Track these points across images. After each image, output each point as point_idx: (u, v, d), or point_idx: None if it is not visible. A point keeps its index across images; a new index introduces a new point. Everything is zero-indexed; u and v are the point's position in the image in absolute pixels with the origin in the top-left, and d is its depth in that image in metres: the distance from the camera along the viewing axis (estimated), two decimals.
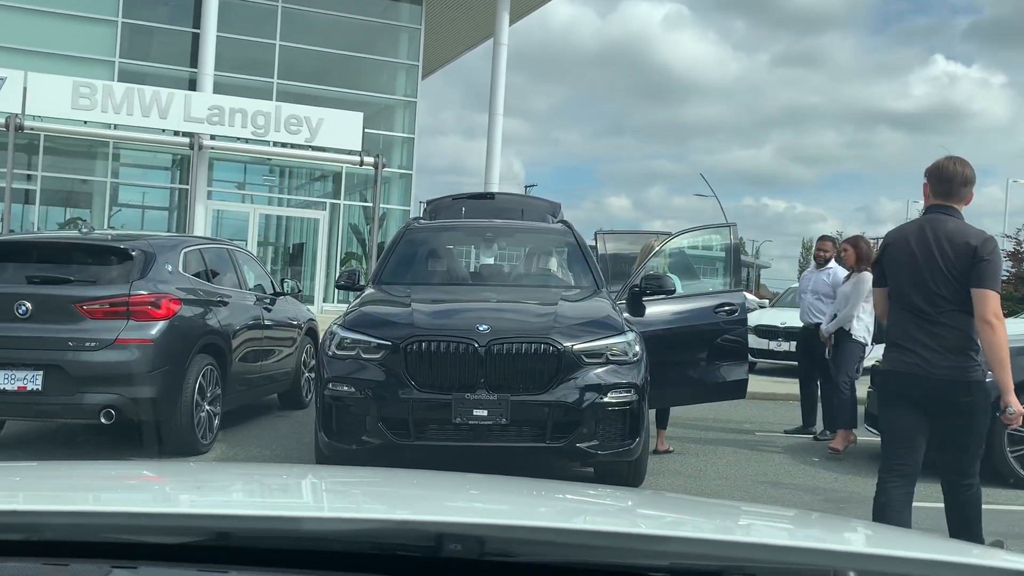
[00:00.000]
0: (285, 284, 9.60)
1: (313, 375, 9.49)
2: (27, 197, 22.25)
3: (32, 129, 20.51)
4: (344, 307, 7.07)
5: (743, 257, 23.63)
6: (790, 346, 12.64)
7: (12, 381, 6.33)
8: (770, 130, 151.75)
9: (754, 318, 13.64)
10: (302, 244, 25.54)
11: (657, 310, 7.26)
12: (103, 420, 6.38)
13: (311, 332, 9.74)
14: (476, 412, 5.54)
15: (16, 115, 19.63)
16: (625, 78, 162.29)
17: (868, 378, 8.21)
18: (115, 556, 0.74)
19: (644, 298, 7.14)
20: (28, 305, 6.40)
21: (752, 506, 3.05)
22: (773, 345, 14.43)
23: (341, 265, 23.55)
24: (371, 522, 0.95)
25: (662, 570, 0.99)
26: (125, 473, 1.87)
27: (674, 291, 7.23)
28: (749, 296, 20.94)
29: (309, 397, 9.34)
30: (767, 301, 24.62)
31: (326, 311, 19.90)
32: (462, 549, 0.96)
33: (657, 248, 7.72)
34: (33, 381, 6.34)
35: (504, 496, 1.58)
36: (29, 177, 22.11)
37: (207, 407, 7.10)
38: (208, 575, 0.72)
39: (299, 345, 9.38)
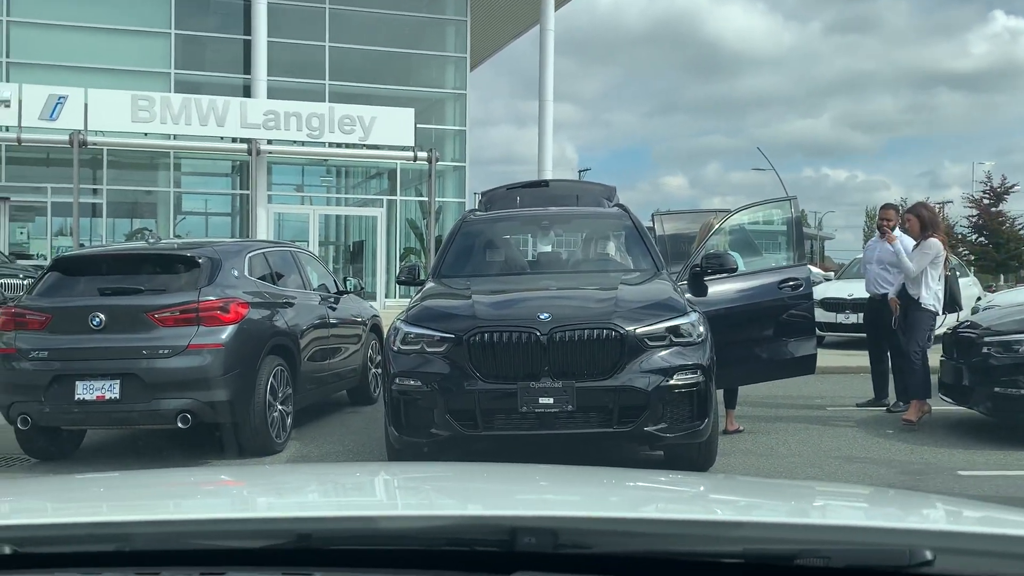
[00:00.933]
0: (348, 282, 9.73)
1: (380, 370, 9.61)
2: (94, 210, 22.86)
3: (95, 144, 21.03)
4: (406, 302, 7.14)
5: (805, 229, 23.24)
6: (858, 318, 12.41)
7: (91, 391, 6.53)
8: (827, 98, 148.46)
9: (820, 291, 13.41)
10: (361, 242, 25.81)
11: (720, 289, 7.20)
12: (180, 425, 6.55)
13: (375, 328, 9.85)
14: (542, 400, 5.56)
15: (79, 131, 20.15)
16: (675, 55, 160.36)
17: (940, 347, 8.04)
18: (202, 563, 0.77)
19: (706, 278, 7.08)
20: (102, 316, 6.58)
21: (826, 485, 3.01)
22: (841, 318, 14.19)
23: (400, 261, 23.76)
24: (446, 519, 0.97)
25: (736, 556, 0.99)
26: (204, 479, 1.92)
27: (736, 269, 7.16)
28: (814, 269, 20.59)
29: (377, 392, 9.46)
30: (832, 273, 24.19)
31: (388, 307, 20.10)
32: (536, 543, 0.97)
33: (717, 226, 7.65)
34: (111, 390, 6.53)
35: (574, 487, 1.59)
36: (95, 191, 22.70)
37: (279, 407, 7.24)
38: None
39: (364, 341, 9.49)
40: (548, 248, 8.36)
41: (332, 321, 8.63)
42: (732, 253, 7.41)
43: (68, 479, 2.68)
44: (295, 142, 22.29)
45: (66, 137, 20.13)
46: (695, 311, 6.01)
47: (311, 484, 1.68)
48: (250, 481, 1.69)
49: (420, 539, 0.93)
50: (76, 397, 6.50)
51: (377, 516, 1.05)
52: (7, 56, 22.08)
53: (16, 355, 6.63)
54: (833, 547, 1.01)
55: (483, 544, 0.97)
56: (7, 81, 21.25)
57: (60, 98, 20.29)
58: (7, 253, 19.63)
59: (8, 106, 20.02)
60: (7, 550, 0.71)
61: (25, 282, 15.16)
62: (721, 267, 6.98)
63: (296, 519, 1.03)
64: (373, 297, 21.95)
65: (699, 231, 7.97)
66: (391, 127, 22.17)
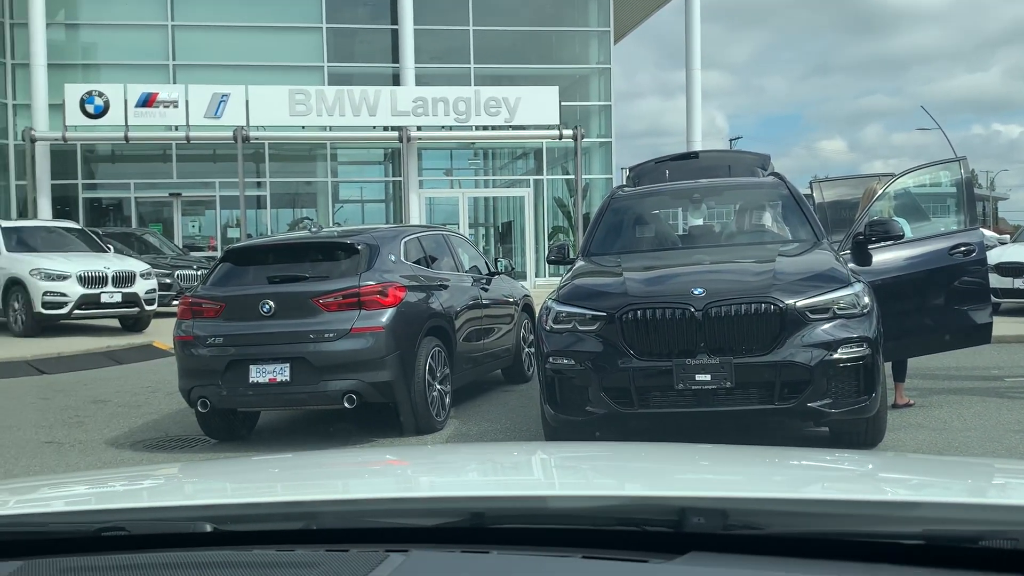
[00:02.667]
0: (499, 263, 9.85)
1: (533, 349, 9.70)
2: (259, 203, 24.02)
3: (257, 139, 22.08)
4: (556, 280, 7.16)
5: (977, 191, 21.83)
6: None
7: (264, 374, 6.87)
8: (995, 50, 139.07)
9: (995, 255, 12.61)
10: (510, 222, 26.07)
11: (885, 257, 6.88)
12: (346, 405, 6.81)
13: (527, 308, 9.94)
14: (699, 377, 5.47)
15: (242, 127, 21.18)
16: (829, 13, 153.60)
17: None
18: (385, 540, 0.79)
19: (870, 246, 6.78)
20: (271, 303, 6.91)
21: (1007, 462, 2.83)
22: (1018, 283, 13.32)
23: (549, 240, 23.87)
24: (614, 499, 0.96)
25: (915, 537, 0.94)
26: (374, 459, 1.98)
27: (903, 236, 6.81)
28: (987, 232, 19.36)
29: (531, 371, 9.55)
30: (1008, 236, 22.70)
31: (539, 286, 20.24)
32: (706, 523, 0.95)
33: (880, 191, 7.29)
34: (282, 373, 6.85)
35: (739, 466, 1.55)
36: (259, 184, 23.83)
37: (438, 386, 7.42)
38: (472, 555, 0.75)
39: (517, 321, 9.59)
40: (700, 221, 8.19)
41: (485, 302, 8.76)
42: (898, 219, 7.05)
43: (251, 461, 2.83)
44: (443, 127, 22.72)
45: (230, 133, 21.20)
46: (859, 281, 5.77)
47: (475, 464, 1.70)
48: (417, 461, 1.73)
49: (589, 519, 0.93)
50: (250, 380, 6.86)
51: (547, 496, 1.06)
52: (173, 59, 23.42)
53: (194, 342, 7.04)
54: (1022, 528, 0.94)
55: (652, 524, 0.96)
56: (174, 83, 22.55)
57: (223, 96, 21.39)
58: (181, 247, 20.90)
59: (176, 106, 21.26)
60: (208, 528, 0.75)
61: (199, 273, 16.11)
62: (886, 234, 6.66)
63: (470, 498, 1.04)
64: (523, 277, 22.17)
65: (862, 197, 7.62)
66: (536, 106, 22.25)
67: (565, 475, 1.56)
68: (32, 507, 1.06)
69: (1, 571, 0.56)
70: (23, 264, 13.66)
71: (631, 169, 8.78)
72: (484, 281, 9.00)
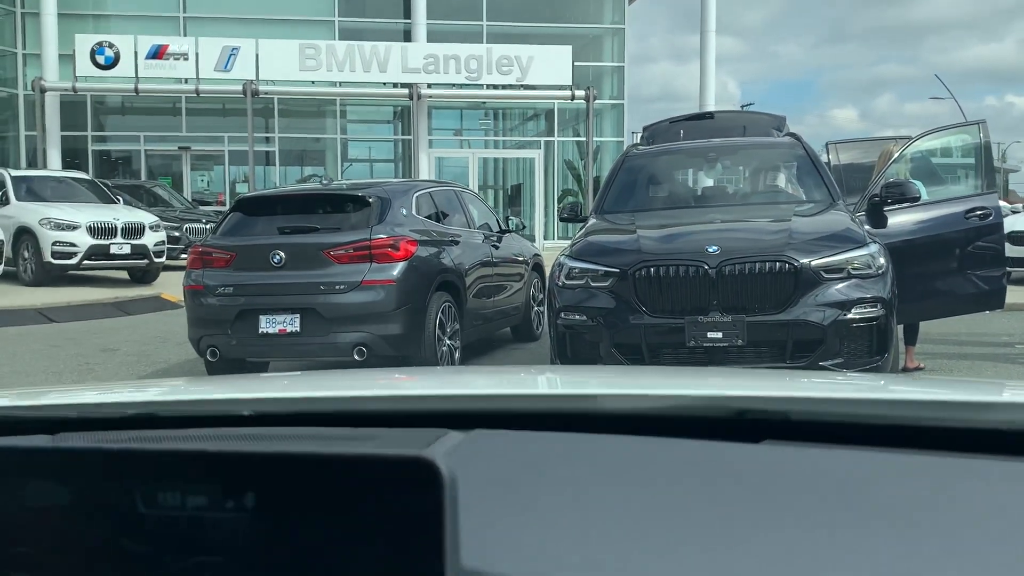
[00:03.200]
0: (510, 221, 9.81)
1: (542, 308, 9.69)
2: (267, 159, 23.94)
3: (267, 93, 21.93)
4: (564, 244, 7.13)
5: None
6: None
7: (273, 325, 6.87)
8: (1013, 19, 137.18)
9: (1007, 224, 12.51)
10: (519, 185, 25.95)
11: (900, 220, 6.82)
12: (356, 357, 6.81)
13: (537, 267, 9.91)
14: (711, 335, 5.45)
15: (251, 81, 21.04)
16: None
17: None
18: (439, 426, 0.74)
19: (885, 208, 6.72)
20: (282, 254, 6.89)
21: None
22: None
23: (558, 203, 23.78)
24: (670, 398, 0.92)
25: (1000, 425, 0.87)
26: (412, 373, 1.96)
27: (919, 198, 6.75)
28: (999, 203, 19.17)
29: (540, 330, 9.55)
30: (1020, 206, 22.53)
31: (547, 248, 20.18)
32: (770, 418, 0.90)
33: (897, 154, 7.21)
34: (292, 324, 6.85)
35: (779, 381, 1.49)
36: (268, 139, 23.74)
37: (448, 341, 7.41)
38: (541, 434, 0.71)
39: (527, 280, 9.57)
40: (715, 181, 8.13)
41: (495, 259, 8.74)
42: (914, 182, 6.98)
43: (284, 374, 2.78)
44: (454, 85, 22.54)
45: (240, 87, 21.07)
46: (875, 242, 5.73)
47: (520, 374, 1.65)
48: (454, 374, 1.71)
49: (645, 417, 0.89)
50: (260, 331, 6.86)
51: (599, 394, 1.02)
52: (184, 11, 23.23)
53: (204, 291, 7.04)
54: None
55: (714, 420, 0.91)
56: (185, 35, 22.39)
57: (233, 50, 21.24)
58: (190, 200, 20.87)
59: (186, 59, 21.13)
60: (246, 412, 0.72)
61: (208, 227, 16.09)
62: (902, 196, 6.60)
63: (523, 396, 1.01)
64: (531, 239, 22.11)
65: (878, 159, 7.55)
66: (548, 66, 22.05)
67: (612, 380, 1.50)
68: (60, 398, 1.03)
69: (29, 442, 0.54)
70: (33, 213, 13.66)
71: (645, 128, 8.70)
72: (495, 238, 8.97)
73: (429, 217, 7.84)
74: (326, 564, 0.46)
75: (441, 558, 0.43)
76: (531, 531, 0.55)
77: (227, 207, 16.54)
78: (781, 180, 7.37)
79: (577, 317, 5.82)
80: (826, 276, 5.44)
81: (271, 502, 0.48)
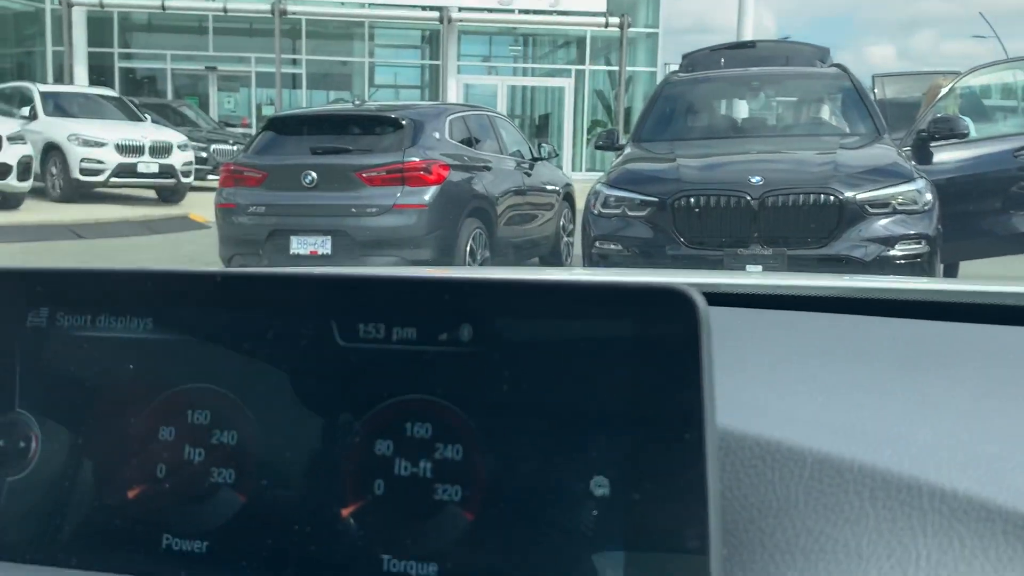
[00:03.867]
0: (542, 149, 9.67)
1: (571, 239, 9.62)
2: (294, 81, 23.72)
3: (294, 14, 21.62)
4: (594, 176, 7.01)
5: None
6: None
7: (305, 246, 6.84)
8: None
9: None
10: (547, 115, 25.64)
11: (947, 156, 6.65)
12: None
13: (568, 197, 9.81)
14: (750, 268, 5.36)
15: (279, 1, 20.74)
16: None
17: None
18: None
19: (932, 144, 6.55)
20: (314, 175, 6.82)
21: None
22: None
23: (587, 134, 23.49)
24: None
25: None
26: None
27: (967, 135, 6.57)
28: None
29: (569, 260, 9.49)
30: None
31: (575, 180, 20.01)
32: None
33: (946, 88, 7.01)
34: (323, 246, 6.81)
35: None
36: (295, 61, 23.49)
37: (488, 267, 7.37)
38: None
39: (557, 210, 9.48)
40: (757, 111, 7.94)
41: (527, 187, 8.63)
42: (963, 118, 6.79)
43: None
44: (485, 9, 22.12)
45: (268, 6, 20.78)
46: (923, 177, 5.58)
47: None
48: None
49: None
50: (291, 252, 6.83)
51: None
52: None
53: (236, 210, 7.00)
54: None
55: None
56: None
57: None
58: (217, 121, 20.77)
59: None
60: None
61: (235, 148, 16.02)
62: (951, 132, 6.42)
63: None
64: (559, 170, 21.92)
65: (926, 95, 7.35)
66: None
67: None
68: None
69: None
70: (61, 129, 13.62)
71: (685, 56, 8.49)
72: (527, 166, 8.85)
73: (462, 141, 7.73)
74: (560, 401, 0.44)
75: (698, 392, 0.41)
76: (761, 392, 0.56)
77: (253, 130, 16.43)
78: (826, 112, 7.19)
79: (612, 247, 5.75)
80: (871, 210, 5.32)
81: (491, 334, 0.46)
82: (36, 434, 0.52)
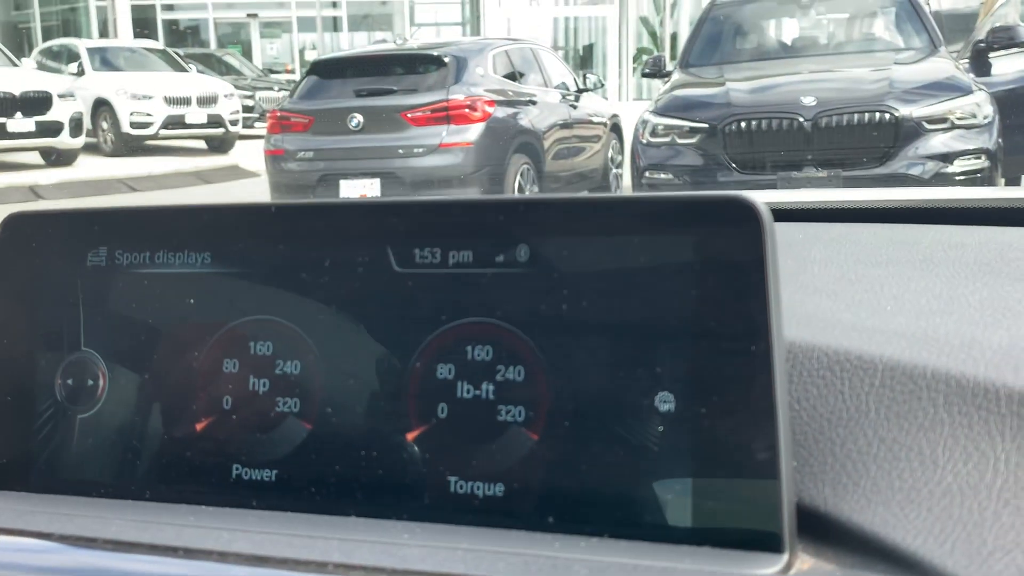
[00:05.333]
0: (588, 79, 9.53)
1: (620, 170, 9.51)
2: (335, 25, 23.60)
3: None
4: (641, 105, 6.89)
5: None
6: None
7: (354, 189, 6.86)
8: None
9: None
10: (591, 45, 25.22)
11: (1007, 66, 6.41)
12: None
13: (615, 128, 9.68)
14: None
15: None
16: None
17: None
18: None
19: (991, 54, 6.32)
20: (360, 118, 6.81)
21: None
22: None
23: (633, 62, 23.07)
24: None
25: None
26: None
27: None
28: None
29: (618, 192, 9.40)
30: None
31: (622, 110, 19.72)
32: None
33: None
34: (372, 188, 6.83)
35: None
36: (335, 4, 23.35)
37: None
38: None
39: (605, 142, 9.36)
40: (808, 29, 7.70)
41: (573, 120, 8.53)
42: (1023, 25, 6.52)
43: None
44: None
45: None
46: (982, 89, 5.39)
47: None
48: None
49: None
50: (341, 195, 6.86)
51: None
52: None
53: (285, 156, 7.03)
54: None
55: None
56: None
57: None
58: (261, 68, 20.80)
59: None
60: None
61: (280, 95, 16.05)
62: (1011, 41, 6.18)
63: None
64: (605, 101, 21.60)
65: (984, 2, 7.06)
66: None
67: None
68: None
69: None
70: (109, 84, 13.75)
71: None
72: (572, 98, 8.73)
73: (506, 76, 7.64)
74: (621, 318, 0.43)
75: (764, 303, 0.40)
76: (818, 303, 0.56)
77: (297, 76, 16.42)
78: (879, 27, 6.95)
79: (663, 176, 5.68)
80: (928, 127, 5.17)
81: (548, 254, 0.45)
82: (104, 371, 0.53)
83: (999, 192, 1.08)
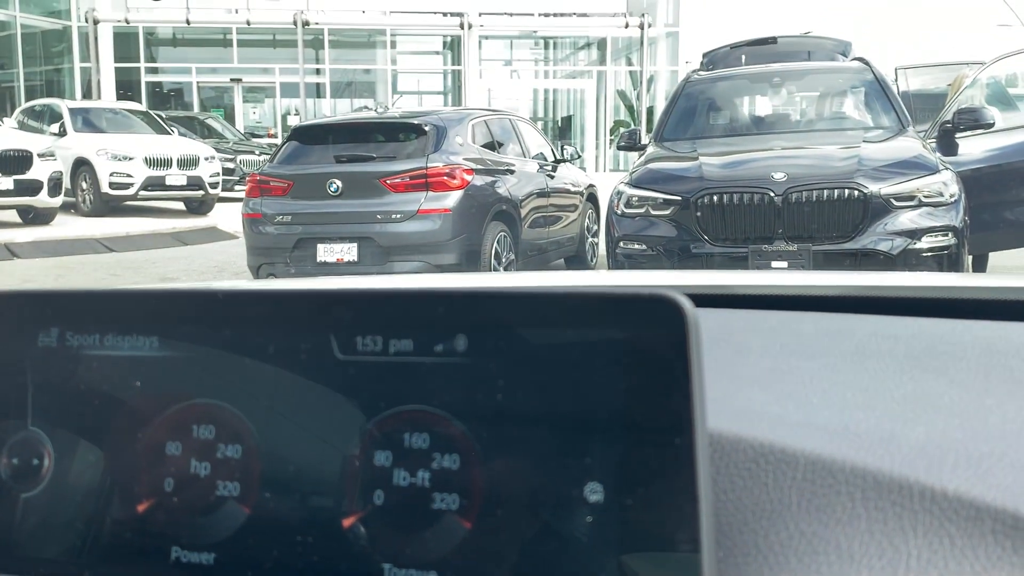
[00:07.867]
0: (564, 150, 9.67)
1: (596, 240, 9.61)
2: (318, 90, 23.87)
3: (317, 24, 21.78)
4: (617, 176, 7.00)
5: None
6: None
7: (331, 254, 6.88)
8: None
9: None
10: (570, 116, 25.63)
11: (972, 147, 6.58)
12: None
13: (592, 198, 9.81)
14: (775, 264, 5.34)
15: (302, 11, 20.91)
16: None
17: None
18: None
19: (957, 135, 6.48)
20: (339, 183, 6.87)
21: None
22: None
23: (610, 134, 23.45)
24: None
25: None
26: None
27: (992, 125, 6.49)
28: None
29: (594, 261, 9.48)
30: None
31: (598, 181, 19.99)
32: None
33: (971, 79, 6.93)
34: (349, 253, 6.86)
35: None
36: (318, 71, 23.65)
37: (503, 271, 7.38)
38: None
39: (582, 210, 9.48)
40: (779, 107, 7.90)
41: (550, 189, 8.64)
42: (988, 108, 6.71)
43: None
44: (505, 13, 22.17)
45: (291, 18, 20.95)
46: (948, 169, 5.53)
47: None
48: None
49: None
50: (318, 260, 6.88)
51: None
52: None
53: (263, 220, 7.06)
54: None
55: None
56: None
57: None
58: (243, 132, 20.95)
59: None
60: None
61: (261, 159, 16.16)
62: (976, 123, 6.35)
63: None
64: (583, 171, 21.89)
65: (951, 85, 7.27)
66: None
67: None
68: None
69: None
70: (90, 144, 13.81)
71: (705, 55, 8.46)
72: (550, 168, 8.85)
73: (484, 146, 7.75)
74: (554, 409, 0.44)
75: (688, 397, 0.41)
76: (750, 395, 0.57)
77: (279, 140, 16.56)
78: (849, 105, 7.13)
79: (637, 246, 5.74)
80: (896, 204, 5.28)
81: (486, 344, 0.46)
82: (49, 451, 0.54)
83: (930, 279, 1.11)
